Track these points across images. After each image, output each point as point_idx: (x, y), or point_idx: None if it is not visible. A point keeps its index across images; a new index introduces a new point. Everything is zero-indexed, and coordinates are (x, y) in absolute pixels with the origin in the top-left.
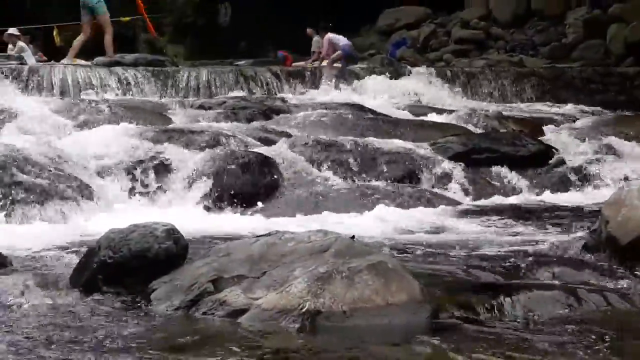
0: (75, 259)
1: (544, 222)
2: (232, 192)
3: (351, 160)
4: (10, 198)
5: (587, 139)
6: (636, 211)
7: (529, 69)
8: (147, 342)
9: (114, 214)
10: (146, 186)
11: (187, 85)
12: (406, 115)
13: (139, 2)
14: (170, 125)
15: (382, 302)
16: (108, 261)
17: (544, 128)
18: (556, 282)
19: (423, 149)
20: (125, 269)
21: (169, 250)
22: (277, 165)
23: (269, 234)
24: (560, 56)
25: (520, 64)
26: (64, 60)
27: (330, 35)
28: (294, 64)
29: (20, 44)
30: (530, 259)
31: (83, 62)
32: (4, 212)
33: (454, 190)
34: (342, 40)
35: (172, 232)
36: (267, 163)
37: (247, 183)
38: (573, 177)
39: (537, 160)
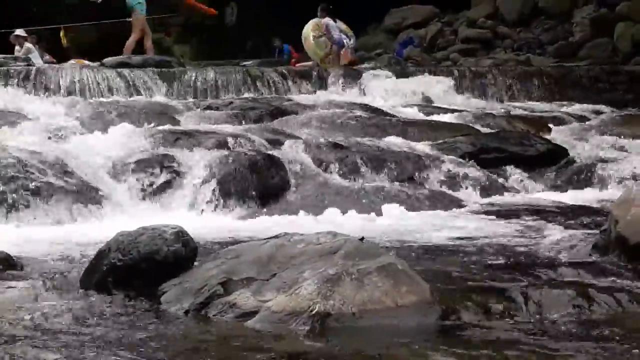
0: (84, 262)
1: (553, 221)
2: (240, 194)
3: (359, 160)
4: (20, 200)
5: (595, 137)
6: None
7: (536, 67)
8: (158, 345)
9: (122, 216)
10: (154, 188)
11: (194, 86)
12: (413, 115)
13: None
14: (178, 127)
15: (392, 304)
16: (117, 264)
17: (552, 127)
18: (566, 282)
19: (431, 149)
20: (134, 271)
21: (178, 253)
22: (284, 166)
23: (277, 236)
24: (567, 55)
25: (527, 63)
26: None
27: (328, 21)
28: (299, 65)
29: (28, 45)
30: (540, 259)
31: (89, 62)
32: (13, 215)
33: (462, 190)
34: (336, 31)
35: (180, 235)
36: (275, 164)
37: (256, 184)
38: (582, 177)
39: (545, 159)
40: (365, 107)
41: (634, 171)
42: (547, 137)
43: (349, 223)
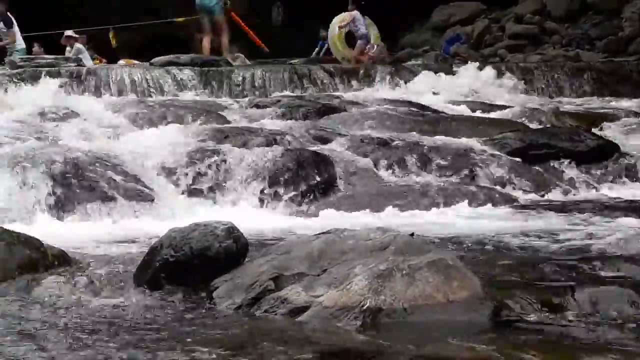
0: (137, 258)
1: (605, 217)
2: (289, 191)
3: (407, 157)
4: (71, 198)
5: None
6: None
7: (586, 63)
8: (210, 340)
9: (174, 212)
10: (205, 184)
11: (242, 85)
12: (462, 111)
13: (236, 19)
14: (226, 125)
15: (443, 299)
16: (170, 260)
17: (602, 123)
18: (623, 278)
19: (480, 146)
20: (186, 267)
21: (229, 249)
22: (333, 163)
23: (328, 232)
24: (617, 50)
25: (576, 59)
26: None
27: (356, 14)
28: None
29: (78, 45)
30: (593, 255)
31: (137, 62)
32: (68, 212)
33: (512, 186)
34: (363, 25)
35: (232, 231)
36: (323, 161)
37: (304, 181)
38: (633, 172)
39: (596, 155)
40: (413, 104)
41: None
42: (597, 132)
43: (398, 219)
